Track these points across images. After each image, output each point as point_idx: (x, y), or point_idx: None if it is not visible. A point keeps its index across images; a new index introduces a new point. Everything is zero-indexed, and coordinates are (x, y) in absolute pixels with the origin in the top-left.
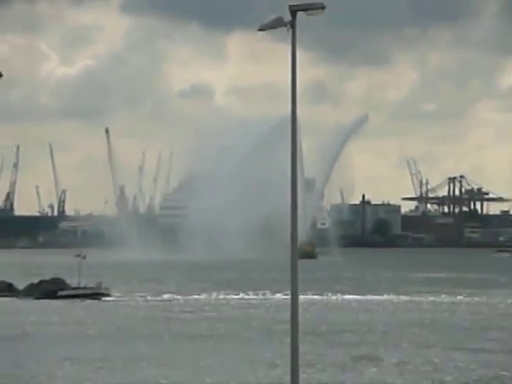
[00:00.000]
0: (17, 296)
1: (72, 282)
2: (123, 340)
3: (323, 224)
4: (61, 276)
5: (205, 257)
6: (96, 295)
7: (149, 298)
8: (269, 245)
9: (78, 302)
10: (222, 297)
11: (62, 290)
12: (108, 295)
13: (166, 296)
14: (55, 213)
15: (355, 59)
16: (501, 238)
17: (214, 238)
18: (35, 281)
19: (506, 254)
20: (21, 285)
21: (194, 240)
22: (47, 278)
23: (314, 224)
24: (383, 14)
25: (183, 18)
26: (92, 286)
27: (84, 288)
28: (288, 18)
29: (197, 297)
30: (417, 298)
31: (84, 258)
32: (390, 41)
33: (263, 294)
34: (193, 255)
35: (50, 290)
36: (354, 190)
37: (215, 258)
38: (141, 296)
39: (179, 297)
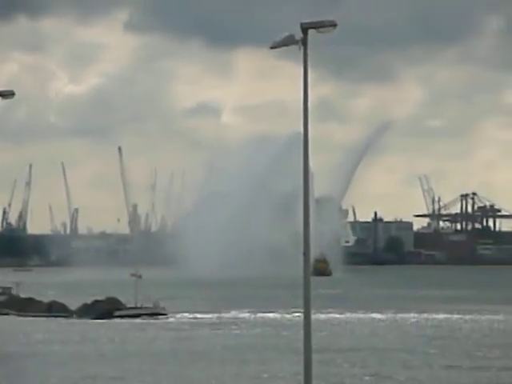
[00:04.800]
0: (70, 316)
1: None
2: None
3: (347, 242)
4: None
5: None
6: (153, 315)
7: (207, 316)
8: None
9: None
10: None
11: (119, 309)
12: (165, 314)
13: (231, 314)
14: (68, 231)
15: (361, 76)
16: None
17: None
18: (88, 301)
19: None
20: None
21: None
22: (99, 297)
23: (337, 241)
24: (388, 31)
25: (187, 35)
26: (149, 305)
27: (141, 308)
28: (299, 35)
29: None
30: (431, 316)
31: (140, 277)
32: (396, 58)
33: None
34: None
35: (105, 309)
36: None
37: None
38: (197, 314)
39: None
